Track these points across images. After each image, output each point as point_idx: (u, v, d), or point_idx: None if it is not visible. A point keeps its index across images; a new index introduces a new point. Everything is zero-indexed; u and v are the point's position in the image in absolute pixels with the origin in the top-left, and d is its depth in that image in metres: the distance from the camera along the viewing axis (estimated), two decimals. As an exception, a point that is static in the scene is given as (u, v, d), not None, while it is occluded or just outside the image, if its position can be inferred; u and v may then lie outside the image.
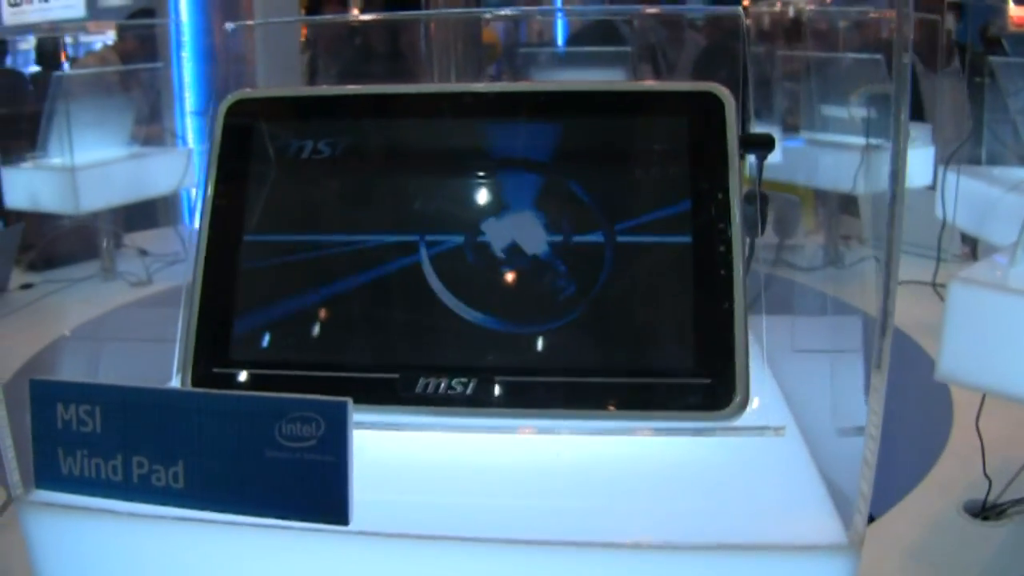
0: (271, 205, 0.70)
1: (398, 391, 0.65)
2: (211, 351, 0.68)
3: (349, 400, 0.54)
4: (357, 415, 0.62)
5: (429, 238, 0.68)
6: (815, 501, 0.57)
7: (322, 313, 0.68)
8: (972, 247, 2.38)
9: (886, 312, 0.54)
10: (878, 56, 2.33)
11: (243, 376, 0.67)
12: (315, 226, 0.70)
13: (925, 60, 2.41)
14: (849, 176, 2.20)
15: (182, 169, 2.77)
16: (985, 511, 1.30)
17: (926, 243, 2.11)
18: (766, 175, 0.71)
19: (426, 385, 0.65)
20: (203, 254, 0.69)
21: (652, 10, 1.36)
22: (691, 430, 0.63)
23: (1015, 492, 1.30)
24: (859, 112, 2.16)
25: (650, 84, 0.72)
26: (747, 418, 0.63)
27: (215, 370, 0.67)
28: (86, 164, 2.45)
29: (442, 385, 0.65)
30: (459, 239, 0.67)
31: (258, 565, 0.57)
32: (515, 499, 0.60)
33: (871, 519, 0.72)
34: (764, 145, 0.68)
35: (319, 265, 0.69)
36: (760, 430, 0.62)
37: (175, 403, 0.56)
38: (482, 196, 0.69)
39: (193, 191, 2.79)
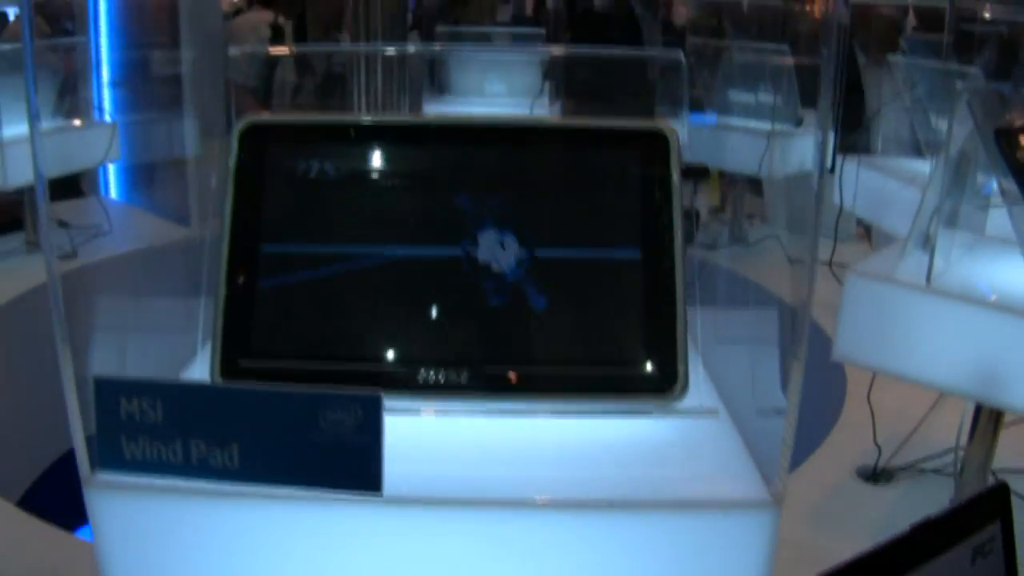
0: (285, 216, 0.81)
1: (403, 380, 0.78)
2: (237, 346, 0.79)
3: (381, 392, 0.66)
4: None
5: (426, 247, 0.80)
6: (743, 469, 0.73)
7: (331, 312, 0.80)
8: (867, 228, 2.60)
9: (803, 317, 0.69)
10: (784, 45, 2.51)
11: (268, 368, 0.78)
12: (323, 235, 0.81)
13: (869, 52, 2.54)
14: (755, 159, 2.38)
15: (107, 142, 2.77)
16: (876, 475, 1.47)
17: (824, 224, 2.31)
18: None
19: (426, 375, 0.78)
20: (226, 260, 0.80)
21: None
22: (640, 412, 0.78)
23: (903, 458, 1.49)
24: (766, 98, 2.34)
25: (608, 122, 0.84)
26: (685, 402, 0.78)
27: (242, 363, 0.78)
28: (13, 138, 2.44)
29: (441, 375, 0.78)
30: (455, 250, 0.80)
31: (302, 531, 0.69)
32: (505, 469, 0.73)
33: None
34: (699, 174, 0.83)
35: (328, 271, 0.80)
36: (697, 412, 0.77)
37: (230, 396, 0.68)
38: (469, 213, 0.81)
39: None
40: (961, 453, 1.36)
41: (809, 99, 2.27)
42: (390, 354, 0.79)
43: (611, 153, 0.83)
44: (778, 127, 2.20)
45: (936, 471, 1.45)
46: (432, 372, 0.78)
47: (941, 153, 1.24)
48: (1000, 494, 0.54)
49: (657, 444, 0.76)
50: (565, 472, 0.73)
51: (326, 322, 0.80)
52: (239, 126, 0.82)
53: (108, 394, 0.68)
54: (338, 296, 0.80)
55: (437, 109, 2.42)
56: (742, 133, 2.27)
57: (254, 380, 0.77)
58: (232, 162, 0.81)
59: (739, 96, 2.41)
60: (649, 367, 0.78)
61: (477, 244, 0.80)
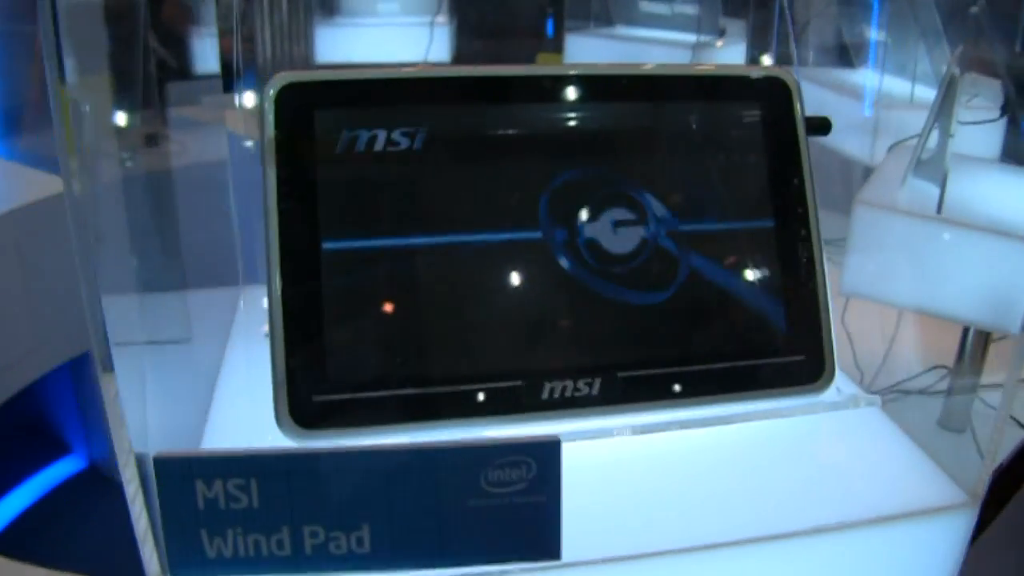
0: (348, 206, 0.63)
1: (523, 399, 0.63)
2: (305, 377, 0.61)
3: (559, 438, 0.52)
4: (486, 428, 0.61)
5: (526, 231, 0.65)
6: (920, 463, 0.65)
7: (424, 322, 0.64)
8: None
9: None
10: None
11: (349, 402, 0.62)
12: (401, 227, 0.64)
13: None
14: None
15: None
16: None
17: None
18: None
19: (551, 390, 0.64)
20: (277, 268, 0.61)
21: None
22: (798, 409, 0.67)
23: (886, 380, 1.49)
24: (684, 7, 2.22)
25: (719, 68, 0.71)
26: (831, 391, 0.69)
27: (316, 399, 0.61)
28: None
29: (568, 388, 0.64)
30: (563, 233, 0.65)
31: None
32: (683, 504, 0.61)
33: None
34: (822, 128, 0.72)
35: (413, 269, 0.64)
36: (856, 400, 0.68)
37: (353, 464, 0.51)
38: (582, 188, 0.66)
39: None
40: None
41: (731, 7, 2.17)
42: (505, 369, 0.64)
43: (729, 108, 0.70)
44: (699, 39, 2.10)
45: (921, 391, 1.46)
46: (559, 386, 0.64)
47: (944, 80, 1.18)
48: None
49: (824, 445, 0.66)
50: (746, 498, 0.62)
51: (417, 335, 0.63)
52: (273, 87, 0.62)
53: (176, 477, 0.50)
54: (426, 301, 0.64)
55: (329, 33, 2.15)
56: (660, 46, 2.16)
57: (339, 422, 0.61)
58: (269, 135, 0.61)
59: (652, 6, 2.28)
60: (796, 356, 0.68)
61: (588, 225, 0.66)
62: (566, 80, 0.66)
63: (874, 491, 0.62)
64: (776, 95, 0.69)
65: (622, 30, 2.29)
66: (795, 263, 0.68)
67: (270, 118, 0.62)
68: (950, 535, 0.60)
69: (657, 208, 0.67)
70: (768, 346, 0.68)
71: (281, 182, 0.62)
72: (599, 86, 0.67)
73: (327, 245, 0.62)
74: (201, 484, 0.50)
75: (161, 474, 0.50)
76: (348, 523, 0.51)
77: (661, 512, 0.61)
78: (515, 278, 0.65)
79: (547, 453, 0.51)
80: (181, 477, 0.50)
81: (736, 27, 2.10)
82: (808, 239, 0.69)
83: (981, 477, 0.61)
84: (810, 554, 0.60)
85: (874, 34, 1.80)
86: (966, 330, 1.38)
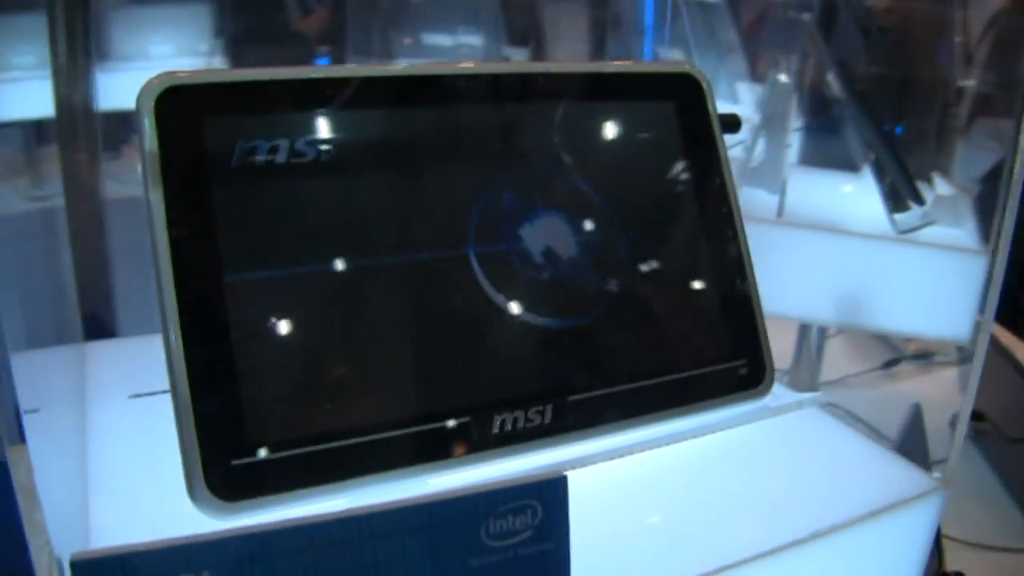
0: (252, 231, 0.53)
1: (473, 437, 0.56)
2: (221, 439, 0.50)
3: (566, 474, 0.45)
4: (433, 476, 0.54)
5: (472, 249, 0.58)
6: (879, 458, 0.64)
7: (355, 360, 0.55)
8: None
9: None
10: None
11: (275, 463, 0.51)
12: (317, 252, 0.55)
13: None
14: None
15: None
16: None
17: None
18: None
19: (502, 422, 0.57)
20: (175, 311, 0.50)
21: None
22: (746, 416, 0.65)
23: None
24: (469, 38, 2.21)
25: (628, 65, 0.68)
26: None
27: (235, 462, 0.50)
28: None
29: (519, 419, 0.57)
30: (495, 252, 0.59)
31: None
32: (660, 532, 0.57)
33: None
34: (733, 125, 0.71)
35: (334, 300, 0.54)
36: (800, 403, 0.67)
37: (330, 535, 0.42)
38: (508, 195, 0.60)
39: None
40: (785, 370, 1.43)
41: (514, 36, 2.19)
42: (450, 406, 0.56)
43: (645, 108, 0.67)
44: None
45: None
46: (509, 417, 0.57)
47: (773, 88, 1.24)
48: None
49: (783, 450, 0.64)
50: (723, 517, 0.59)
51: (347, 376, 0.54)
52: (151, 92, 0.51)
53: (99, 585, 0.38)
54: (353, 336, 0.55)
55: (102, 79, 1.93)
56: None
57: (266, 488, 0.50)
58: (151, 150, 0.50)
59: (435, 38, 2.25)
60: (737, 362, 0.66)
61: (520, 244, 0.60)
62: (491, 79, 0.61)
63: (850, 488, 0.61)
64: (690, 92, 0.67)
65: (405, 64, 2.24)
66: (726, 265, 0.66)
67: (150, 129, 0.51)
68: (925, 519, 0.60)
69: (587, 219, 0.62)
70: (712, 353, 0.65)
71: (170, 206, 0.51)
72: (524, 84, 0.62)
73: (231, 279, 0.52)
74: (133, 591, 0.39)
75: (77, 583, 0.38)
76: (327, 610, 0.42)
77: (638, 544, 0.56)
78: (450, 305, 0.57)
79: (554, 493, 0.45)
80: (105, 584, 0.38)
81: (520, 55, 2.12)
82: (736, 239, 0.67)
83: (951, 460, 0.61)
84: (798, 563, 0.57)
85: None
86: (803, 328, 1.45)
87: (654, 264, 0.64)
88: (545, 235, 0.61)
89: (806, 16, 1.27)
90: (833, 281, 1.20)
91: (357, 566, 0.42)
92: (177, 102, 0.52)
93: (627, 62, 0.71)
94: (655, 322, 0.64)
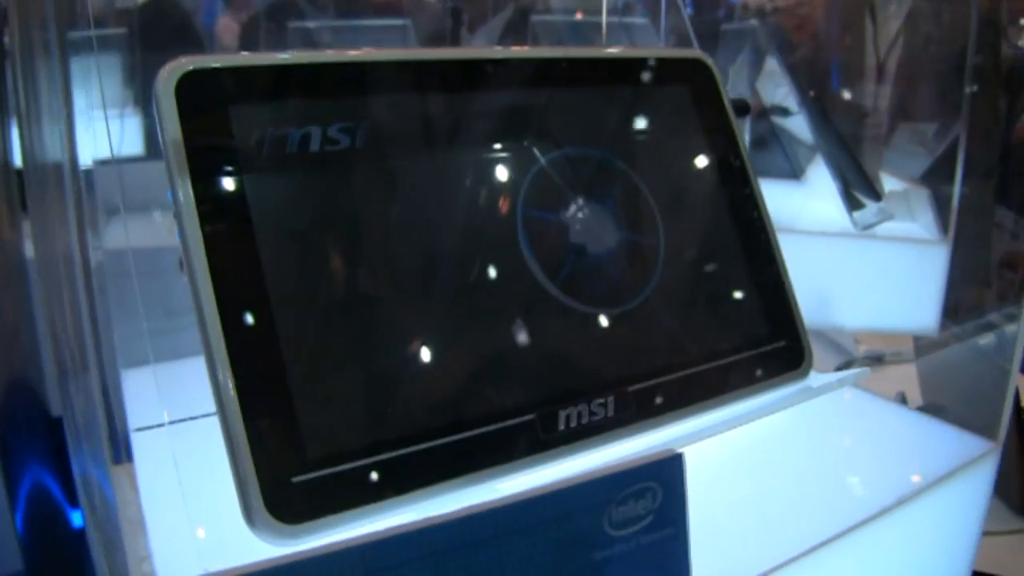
0: (292, 228, 0.48)
1: (539, 435, 0.52)
2: (279, 456, 0.45)
3: (681, 451, 0.42)
4: (502, 480, 0.50)
5: (521, 236, 0.54)
6: (930, 427, 0.63)
7: (412, 362, 0.50)
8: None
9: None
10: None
11: (337, 477, 0.46)
12: (365, 250, 0.50)
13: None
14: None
15: None
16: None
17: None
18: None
19: (567, 418, 0.53)
20: (215, 316, 0.45)
21: None
22: (792, 399, 0.63)
23: None
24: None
25: (641, 51, 0.66)
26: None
27: (295, 480, 0.45)
28: None
29: (583, 414, 0.54)
30: (542, 241, 0.55)
31: None
32: (737, 522, 0.54)
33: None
34: (743, 109, 0.70)
35: (387, 300, 0.50)
36: (843, 381, 0.65)
37: (448, 539, 0.37)
38: (551, 180, 0.57)
39: None
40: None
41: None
42: (514, 405, 0.52)
43: (664, 93, 0.65)
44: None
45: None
46: (574, 412, 0.53)
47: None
48: None
49: (836, 431, 0.62)
50: (796, 501, 0.56)
51: (406, 379, 0.49)
52: (170, 76, 0.46)
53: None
54: (409, 336, 0.50)
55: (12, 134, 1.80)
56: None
57: (330, 506, 0.45)
58: (174, 138, 0.45)
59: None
60: (777, 344, 0.64)
61: (561, 225, 0.57)
62: (521, 64, 0.58)
63: (911, 457, 0.59)
64: (702, 76, 0.66)
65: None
66: (758, 247, 0.65)
67: (172, 117, 0.46)
68: (984, 480, 0.59)
69: (628, 204, 0.60)
70: (755, 336, 0.63)
71: (201, 202, 0.46)
72: (554, 69, 0.59)
73: (274, 280, 0.47)
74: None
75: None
76: (447, 624, 0.37)
77: (721, 535, 0.53)
78: (504, 298, 0.54)
79: (672, 472, 0.41)
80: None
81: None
82: (762, 220, 0.66)
83: (1001, 421, 0.61)
84: (868, 543, 0.55)
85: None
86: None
87: (693, 248, 0.62)
88: (590, 220, 0.58)
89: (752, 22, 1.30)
90: (798, 282, 1.21)
91: (477, 572, 0.37)
92: (199, 87, 0.47)
93: (639, 48, 0.70)
94: (700, 307, 0.62)
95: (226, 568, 0.33)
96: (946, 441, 0.63)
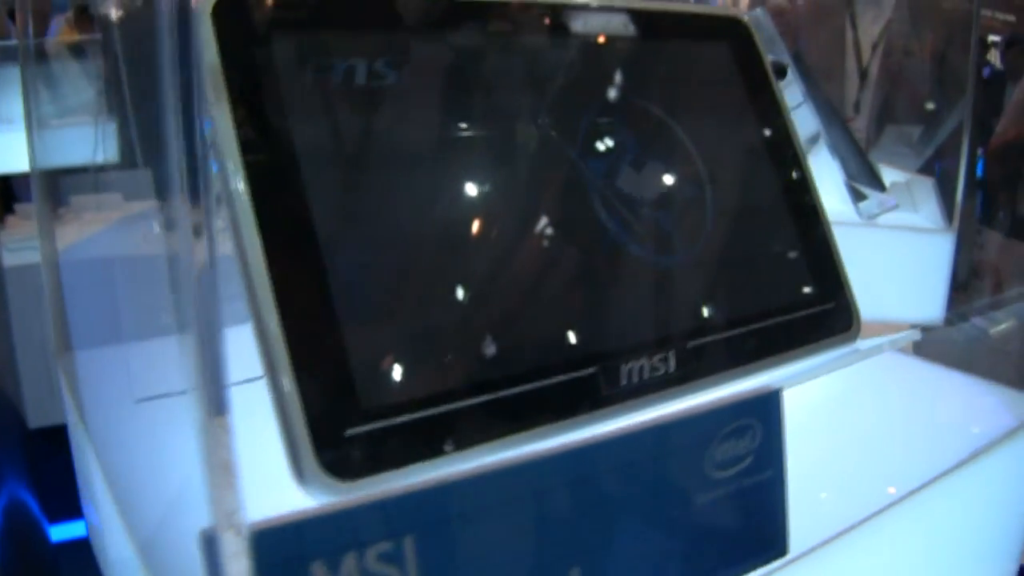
0: (340, 168, 0.44)
1: (601, 390, 0.48)
2: (332, 408, 0.41)
3: (779, 388, 0.38)
4: (563, 435, 0.46)
5: (572, 188, 0.51)
6: (981, 388, 0.61)
7: (467, 309, 0.46)
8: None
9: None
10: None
11: (392, 430, 0.42)
12: (416, 189, 0.46)
13: None
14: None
15: None
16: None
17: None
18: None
19: (629, 373, 0.50)
20: (262, 262, 0.40)
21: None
22: (839, 361, 0.60)
23: None
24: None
25: (687, 6, 0.64)
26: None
27: (349, 432, 0.41)
28: None
29: (645, 368, 0.50)
30: (603, 186, 0.52)
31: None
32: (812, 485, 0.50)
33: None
34: (782, 72, 0.68)
35: (439, 243, 0.46)
36: (894, 343, 0.63)
37: (537, 479, 0.33)
38: (609, 130, 0.54)
39: None
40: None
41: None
42: (575, 356, 0.48)
43: (705, 48, 0.63)
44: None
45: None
46: (635, 367, 0.50)
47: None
48: None
49: (890, 394, 0.60)
50: (862, 465, 0.53)
51: (461, 327, 0.46)
52: (203, 3, 0.42)
53: (285, 557, 0.28)
54: (465, 282, 0.46)
55: None
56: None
57: (384, 463, 0.41)
58: (213, 64, 0.41)
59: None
60: (828, 304, 0.61)
61: (614, 178, 0.54)
62: (571, 11, 0.55)
63: (967, 418, 0.57)
64: (744, 36, 0.64)
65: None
66: (806, 207, 0.62)
67: (209, 40, 0.42)
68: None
69: (682, 155, 0.57)
70: (808, 296, 0.60)
71: (241, 128, 0.42)
72: (602, 20, 0.57)
73: (323, 220, 0.43)
74: (321, 566, 0.29)
75: (263, 551, 0.28)
76: (541, 571, 0.33)
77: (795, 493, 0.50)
78: (563, 244, 0.50)
79: (771, 409, 0.38)
80: (292, 556, 0.28)
81: None
82: (806, 181, 0.63)
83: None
84: (937, 503, 0.52)
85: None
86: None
87: (747, 207, 0.60)
88: (647, 171, 0.55)
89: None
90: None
91: (558, 517, 0.33)
92: (237, 13, 0.43)
93: (681, 3, 0.67)
94: (757, 266, 0.59)
95: (287, 512, 0.29)
96: (1005, 402, 0.61)
